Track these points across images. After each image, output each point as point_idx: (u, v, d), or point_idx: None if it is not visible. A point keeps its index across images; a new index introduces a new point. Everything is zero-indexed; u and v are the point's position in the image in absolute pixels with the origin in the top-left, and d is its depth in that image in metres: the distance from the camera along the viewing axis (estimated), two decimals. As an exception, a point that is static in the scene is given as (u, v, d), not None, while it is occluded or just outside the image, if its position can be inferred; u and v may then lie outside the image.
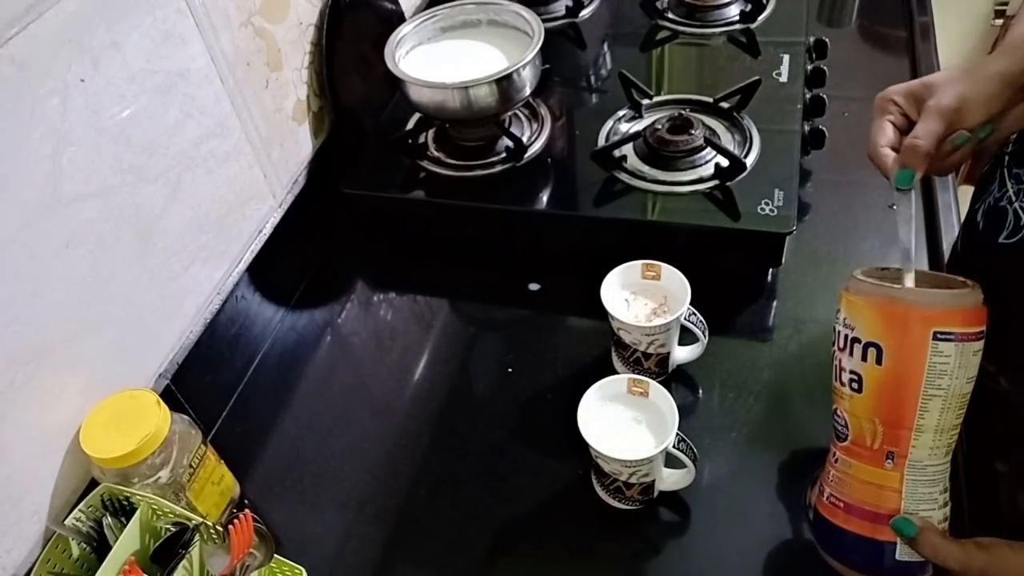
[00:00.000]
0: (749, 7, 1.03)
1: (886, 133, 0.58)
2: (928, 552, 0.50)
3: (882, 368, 0.51)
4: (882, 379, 0.51)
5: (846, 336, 0.54)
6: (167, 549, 0.56)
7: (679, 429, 0.60)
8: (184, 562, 0.54)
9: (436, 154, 0.91)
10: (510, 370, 0.77)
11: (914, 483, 0.52)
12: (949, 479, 0.53)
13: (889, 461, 0.52)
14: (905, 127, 0.58)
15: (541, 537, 0.66)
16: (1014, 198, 0.59)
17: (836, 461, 0.56)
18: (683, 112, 0.85)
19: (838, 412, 0.56)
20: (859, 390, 0.53)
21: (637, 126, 0.89)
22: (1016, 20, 0.60)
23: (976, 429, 0.63)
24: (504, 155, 0.89)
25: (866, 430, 0.53)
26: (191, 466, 0.63)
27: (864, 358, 0.52)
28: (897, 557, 0.52)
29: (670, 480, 0.65)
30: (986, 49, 1.68)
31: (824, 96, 0.89)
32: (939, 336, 0.49)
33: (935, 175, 0.62)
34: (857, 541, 0.53)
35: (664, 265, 0.70)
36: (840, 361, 0.55)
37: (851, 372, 0.53)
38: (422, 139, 0.93)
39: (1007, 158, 0.62)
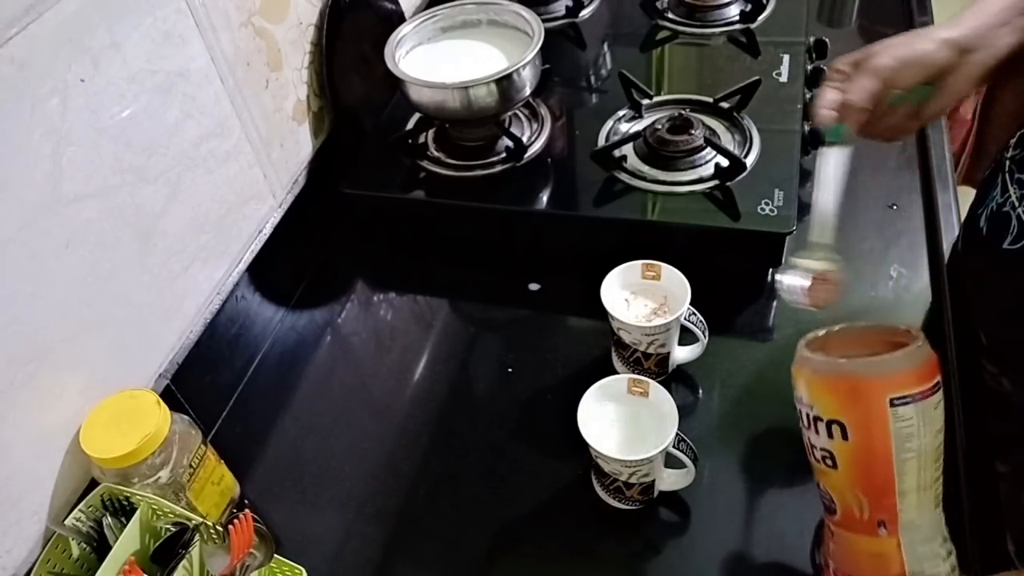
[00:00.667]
0: (749, 7, 1.03)
1: (825, 96, 0.59)
2: None
3: (850, 443, 0.51)
4: (853, 454, 0.51)
5: (807, 414, 0.53)
6: (167, 549, 0.56)
7: (679, 429, 0.60)
8: (184, 562, 0.54)
9: (436, 154, 0.91)
10: (510, 370, 0.77)
11: (912, 545, 0.51)
12: (945, 524, 0.53)
13: (882, 529, 0.51)
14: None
15: (541, 537, 0.66)
16: (1017, 204, 0.59)
17: (832, 534, 0.55)
18: (683, 112, 0.85)
19: (821, 486, 0.55)
20: (834, 466, 0.52)
21: (637, 126, 0.89)
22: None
23: (976, 429, 0.63)
24: (504, 155, 0.89)
25: (852, 503, 0.52)
26: (191, 466, 0.63)
27: (830, 435, 0.51)
28: None
29: (670, 480, 0.65)
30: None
31: (824, 96, 0.89)
32: (896, 402, 0.49)
33: (877, 138, 0.61)
34: None
35: (664, 265, 0.70)
36: (809, 439, 0.54)
37: (822, 449, 0.53)
38: (422, 139, 0.93)
39: (1008, 163, 0.61)
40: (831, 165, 0.61)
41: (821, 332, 0.56)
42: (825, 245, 0.64)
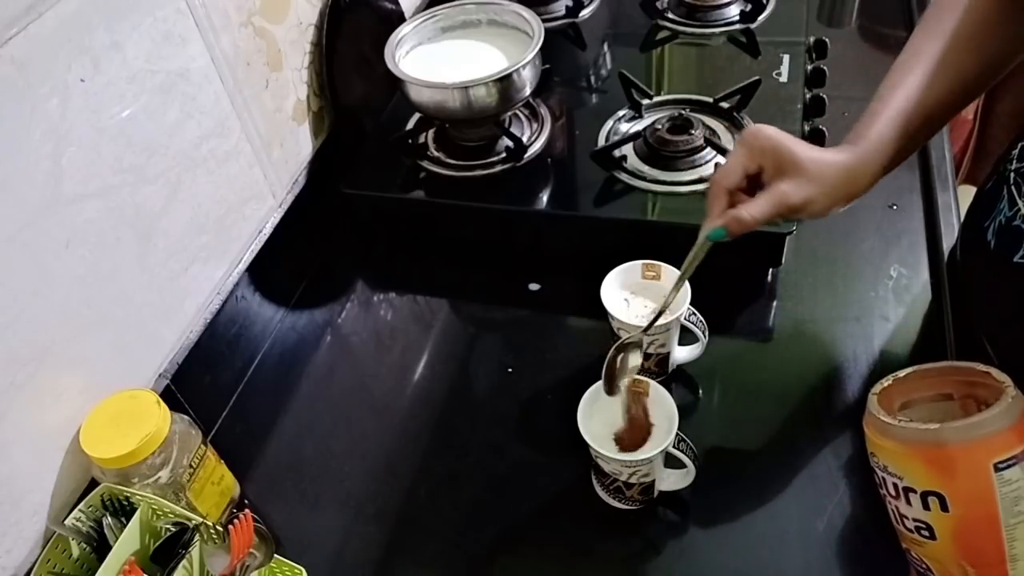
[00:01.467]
0: (749, 7, 1.03)
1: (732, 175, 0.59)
2: None
3: (951, 515, 0.46)
4: (955, 526, 0.47)
5: (895, 484, 0.49)
6: (167, 549, 0.56)
7: (679, 429, 0.60)
8: (184, 562, 0.54)
9: (436, 154, 0.91)
10: (510, 370, 0.77)
11: None
12: None
13: None
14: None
15: (541, 537, 0.66)
16: None
17: None
18: (683, 112, 0.85)
19: (913, 554, 0.51)
20: (932, 537, 0.48)
21: (637, 126, 0.89)
22: (874, 113, 0.58)
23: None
24: (504, 155, 0.89)
25: (956, 574, 0.48)
26: (191, 466, 0.63)
27: (926, 507, 0.47)
28: None
29: (670, 480, 0.65)
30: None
31: (824, 96, 0.89)
32: (1001, 466, 0.44)
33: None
34: None
35: (664, 265, 0.70)
36: (896, 508, 0.50)
37: (915, 520, 0.48)
38: (422, 139, 0.93)
39: (1013, 175, 0.60)
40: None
41: (888, 381, 0.52)
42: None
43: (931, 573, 0.50)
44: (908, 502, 0.48)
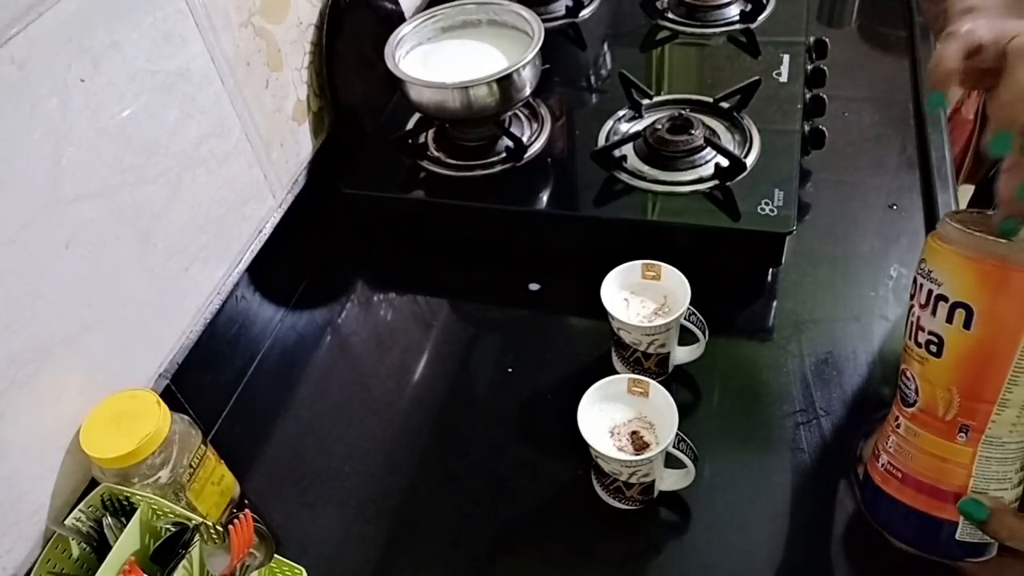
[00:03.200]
0: (749, 7, 1.03)
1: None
2: (1004, 535, 0.47)
3: (970, 333, 0.45)
4: (968, 346, 0.46)
5: (930, 292, 0.47)
6: (167, 549, 0.56)
7: (679, 429, 0.60)
8: (184, 562, 0.54)
9: (436, 154, 0.91)
10: (510, 370, 0.77)
11: (987, 460, 0.47)
12: None
13: (962, 435, 0.47)
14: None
15: (541, 537, 0.66)
16: None
17: (899, 426, 0.51)
18: (683, 112, 0.85)
19: (908, 374, 0.50)
20: (937, 354, 0.47)
21: (637, 126, 0.89)
22: None
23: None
24: (504, 155, 0.89)
25: (940, 399, 0.47)
26: (191, 466, 0.63)
27: (949, 320, 0.46)
28: (958, 537, 0.48)
29: (670, 480, 0.65)
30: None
31: (824, 96, 0.89)
32: None
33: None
34: (912, 515, 0.50)
35: (664, 265, 0.70)
36: (918, 318, 0.48)
37: (930, 333, 0.47)
38: (422, 139, 0.93)
39: None
40: None
41: (973, 210, 0.50)
42: None
43: (916, 395, 0.49)
44: (933, 312, 0.47)
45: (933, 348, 0.47)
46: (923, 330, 0.48)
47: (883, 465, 0.52)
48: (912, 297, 0.50)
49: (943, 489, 0.49)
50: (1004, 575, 0.50)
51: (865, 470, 0.54)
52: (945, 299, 0.46)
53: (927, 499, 0.49)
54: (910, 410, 0.50)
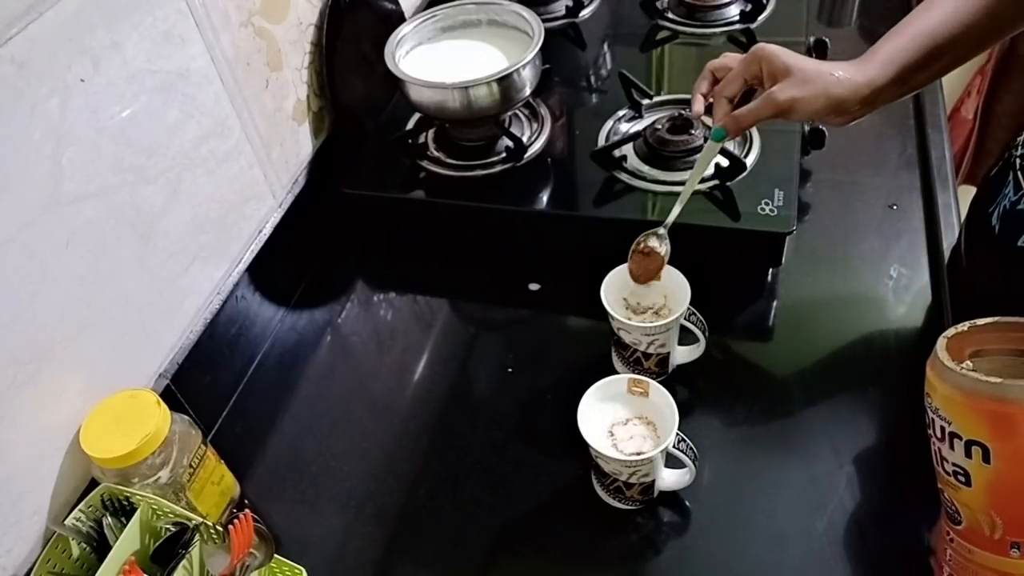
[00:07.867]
0: (749, 7, 1.03)
1: (703, 85, 0.69)
2: None
3: (991, 468, 0.45)
4: (993, 479, 0.46)
5: (943, 428, 0.47)
6: (167, 549, 0.56)
7: (679, 429, 0.60)
8: (184, 562, 0.54)
9: (436, 154, 0.91)
10: (510, 370, 0.77)
11: None
12: None
13: (1015, 551, 0.46)
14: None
15: (541, 537, 0.66)
16: None
17: (952, 541, 0.51)
18: (683, 112, 0.85)
19: (946, 496, 0.50)
20: (967, 484, 0.47)
21: (637, 126, 0.89)
22: (886, 37, 0.61)
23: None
24: (504, 155, 0.89)
25: (983, 522, 0.47)
26: (191, 466, 0.63)
27: (968, 455, 0.46)
28: None
29: (670, 480, 0.65)
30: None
31: (824, 96, 0.89)
32: None
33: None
34: None
35: (664, 265, 0.70)
36: (939, 450, 0.49)
37: (955, 465, 0.48)
38: (422, 139, 0.93)
39: (1019, 161, 0.61)
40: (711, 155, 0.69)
41: (964, 327, 0.50)
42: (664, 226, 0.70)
43: (959, 516, 0.49)
44: (951, 447, 0.47)
45: (961, 479, 0.47)
46: (947, 460, 0.48)
47: None
48: (927, 426, 0.50)
49: None
50: None
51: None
52: (959, 436, 0.46)
53: None
54: (958, 528, 0.50)
